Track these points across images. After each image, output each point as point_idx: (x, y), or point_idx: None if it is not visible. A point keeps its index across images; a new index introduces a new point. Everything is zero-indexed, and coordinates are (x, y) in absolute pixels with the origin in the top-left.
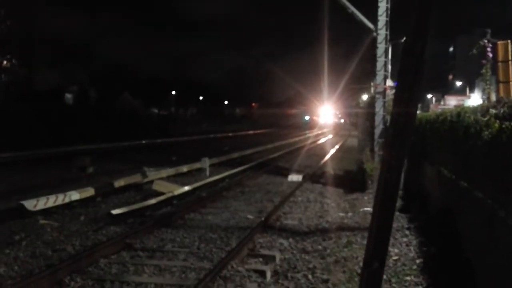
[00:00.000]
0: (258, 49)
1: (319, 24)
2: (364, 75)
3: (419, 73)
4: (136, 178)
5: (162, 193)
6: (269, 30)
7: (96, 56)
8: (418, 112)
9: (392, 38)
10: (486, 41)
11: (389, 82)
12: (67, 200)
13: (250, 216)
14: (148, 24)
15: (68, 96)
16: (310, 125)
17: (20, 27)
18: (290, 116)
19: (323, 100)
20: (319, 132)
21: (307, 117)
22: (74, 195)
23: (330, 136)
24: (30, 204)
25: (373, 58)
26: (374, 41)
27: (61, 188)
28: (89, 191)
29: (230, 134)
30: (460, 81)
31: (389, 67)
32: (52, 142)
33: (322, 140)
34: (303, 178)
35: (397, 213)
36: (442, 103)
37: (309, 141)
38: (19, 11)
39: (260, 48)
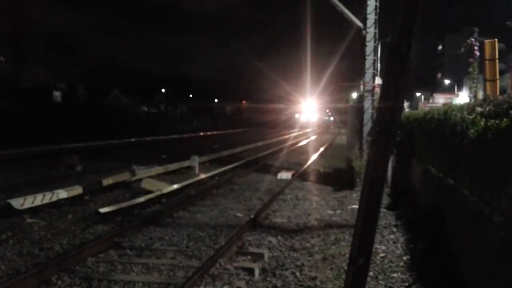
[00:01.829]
0: (248, 46)
1: (304, 20)
2: (353, 72)
3: (404, 71)
4: (124, 176)
5: (151, 191)
6: (261, 27)
7: (86, 53)
8: (406, 110)
9: (382, 36)
10: (473, 39)
11: (378, 80)
12: (54, 198)
13: (239, 214)
14: (139, 21)
15: (56, 93)
16: (289, 124)
17: (8, 23)
18: (275, 113)
19: (306, 95)
20: (297, 133)
21: (297, 115)
22: (62, 194)
23: (313, 137)
24: (17, 203)
25: (361, 55)
26: (363, 39)
27: (49, 187)
28: (77, 190)
29: (221, 132)
30: (449, 79)
31: (378, 65)
32: (39, 139)
33: (302, 143)
34: (292, 176)
35: (384, 211)
36: (431, 101)
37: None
38: (8, 7)
39: (251, 46)
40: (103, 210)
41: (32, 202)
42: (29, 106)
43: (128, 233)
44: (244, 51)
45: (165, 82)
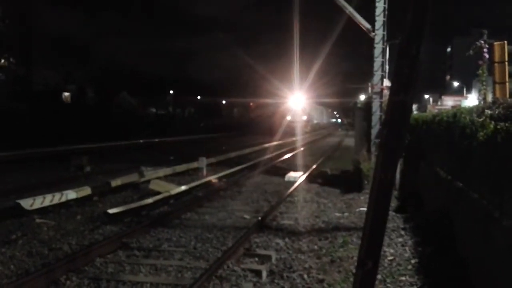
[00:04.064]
0: (257, 48)
1: (309, 18)
2: (360, 73)
3: (413, 75)
4: (133, 178)
5: (159, 193)
6: (268, 29)
7: (95, 55)
8: (415, 112)
9: (390, 38)
10: (482, 41)
11: (387, 82)
12: (63, 199)
13: (247, 216)
14: (147, 23)
15: (66, 95)
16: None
17: (18, 26)
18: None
19: (294, 87)
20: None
21: (304, 117)
22: (71, 194)
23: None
24: (27, 203)
25: (364, 56)
26: (371, 41)
27: (58, 187)
28: (86, 190)
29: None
30: (458, 81)
31: (387, 67)
32: (49, 141)
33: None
34: (300, 177)
35: (393, 214)
36: (439, 103)
37: None
38: (17, 10)
39: (260, 47)
40: (111, 211)
41: (41, 203)
42: (40, 108)
43: (137, 234)
44: (253, 53)
45: (173, 84)
